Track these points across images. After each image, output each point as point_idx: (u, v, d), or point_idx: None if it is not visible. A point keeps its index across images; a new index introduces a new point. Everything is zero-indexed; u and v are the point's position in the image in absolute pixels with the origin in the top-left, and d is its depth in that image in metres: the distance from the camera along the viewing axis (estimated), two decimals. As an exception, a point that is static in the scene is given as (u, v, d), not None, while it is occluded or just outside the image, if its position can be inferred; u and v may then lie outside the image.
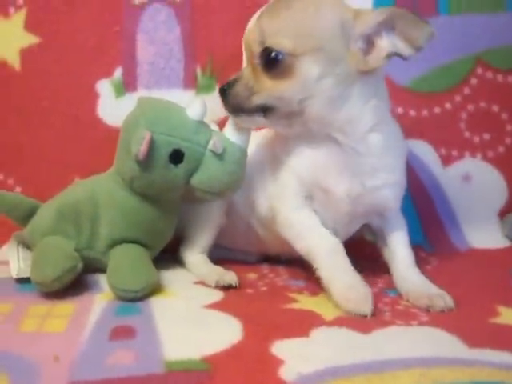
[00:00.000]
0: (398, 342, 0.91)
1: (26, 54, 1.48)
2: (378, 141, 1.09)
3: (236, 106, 1.10)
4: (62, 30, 1.48)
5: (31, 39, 1.48)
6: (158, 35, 1.48)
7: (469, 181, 1.53)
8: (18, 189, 1.47)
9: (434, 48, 1.46)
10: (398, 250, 1.18)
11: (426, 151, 1.51)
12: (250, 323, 0.95)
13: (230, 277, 1.15)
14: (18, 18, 1.48)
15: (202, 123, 1.15)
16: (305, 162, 1.12)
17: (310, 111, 1.05)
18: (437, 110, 1.51)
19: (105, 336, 0.91)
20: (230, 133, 1.14)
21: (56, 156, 1.48)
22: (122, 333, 0.93)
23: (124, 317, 0.99)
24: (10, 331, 0.94)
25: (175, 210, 1.23)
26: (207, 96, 1.49)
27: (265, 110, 1.08)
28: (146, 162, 1.10)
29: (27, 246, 1.24)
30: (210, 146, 1.12)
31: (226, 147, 1.13)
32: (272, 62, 1.04)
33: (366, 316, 0.99)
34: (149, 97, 1.21)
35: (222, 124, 1.20)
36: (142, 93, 1.48)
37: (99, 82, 1.49)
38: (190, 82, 1.50)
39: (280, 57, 1.03)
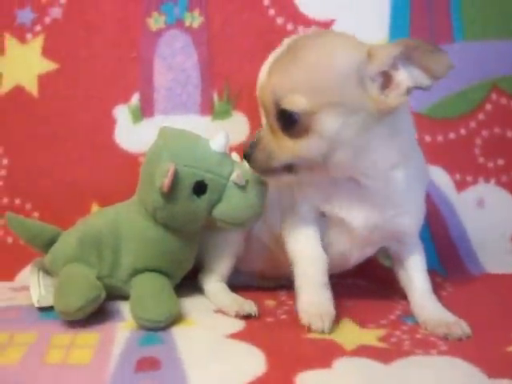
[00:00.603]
0: (419, 372, 0.91)
1: (44, 79, 1.49)
2: (401, 178, 1.07)
3: (262, 169, 1.08)
4: (80, 55, 1.49)
5: (49, 65, 1.49)
6: (175, 61, 1.49)
7: (482, 206, 1.54)
8: (36, 214, 1.47)
9: (450, 75, 1.47)
10: (415, 276, 1.18)
11: (440, 176, 1.52)
12: (273, 354, 0.95)
13: (249, 307, 1.15)
14: (36, 44, 1.49)
15: (224, 155, 1.16)
16: (320, 195, 1.12)
17: (333, 162, 1.02)
18: (452, 135, 1.52)
19: (130, 368, 0.91)
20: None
21: (73, 181, 1.49)
22: (147, 364, 0.92)
23: (148, 347, 0.99)
24: (36, 363, 0.93)
25: (196, 240, 1.23)
26: (223, 122, 1.51)
27: (289, 168, 1.05)
28: (170, 194, 1.10)
29: (48, 272, 1.24)
30: (234, 177, 1.13)
31: (248, 179, 1.13)
32: (289, 122, 1.00)
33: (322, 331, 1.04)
34: (171, 127, 1.20)
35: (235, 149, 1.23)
36: (158, 118, 1.49)
37: (116, 107, 1.50)
38: (207, 108, 1.51)
39: (296, 117, 0.99)
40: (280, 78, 1.00)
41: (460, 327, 1.07)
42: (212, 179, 1.13)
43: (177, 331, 1.06)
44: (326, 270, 1.13)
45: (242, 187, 1.13)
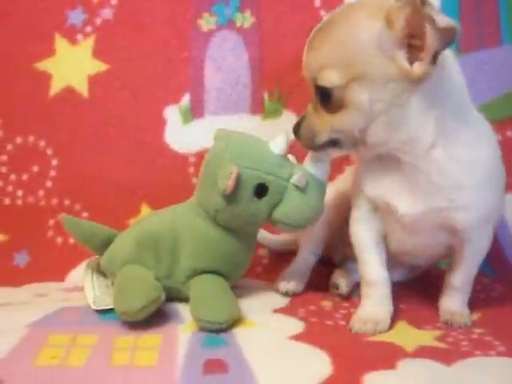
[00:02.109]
0: (481, 374, 0.91)
1: (94, 80, 1.50)
2: (441, 158, 1.04)
3: (307, 145, 1.11)
4: (130, 56, 1.50)
5: (99, 66, 1.50)
6: (225, 62, 1.50)
7: (528, 207, 1.52)
8: (85, 214, 1.48)
9: (498, 77, 1.50)
10: (452, 274, 1.18)
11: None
12: (337, 356, 0.95)
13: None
14: (87, 45, 1.50)
15: (284, 157, 1.16)
16: (371, 181, 1.12)
17: (371, 136, 1.03)
18: (499, 137, 1.46)
19: (198, 370, 0.91)
20: (309, 166, 1.16)
21: (122, 182, 1.49)
22: (215, 367, 0.92)
23: (212, 349, 0.99)
24: (103, 365, 0.93)
25: (254, 241, 1.24)
26: (274, 121, 1.51)
27: (333, 143, 1.07)
28: (232, 196, 1.11)
29: (101, 273, 1.25)
30: (294, 180, 1.13)
31: (308, 181, 1.13)
32: (325, 97, 1.03)
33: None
34: (227, 130, 1.21)
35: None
36: (209, 119, 1.50)
37: (167, 108, 1.51)
38: (257, 107, 1.51)
39: (330, 91, 1.01)
40: (314, 55, 1.03)
41: (462, 317, 1.14)
42: (273, 181, 1.13)
43: (239, 333, 1.06)
44: (385, 268, 1.16)
45: (302, 189, 1.13)
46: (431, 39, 0.93)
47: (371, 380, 0.87)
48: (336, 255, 1.40)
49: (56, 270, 1.42)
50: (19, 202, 1.50)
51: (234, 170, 1.09)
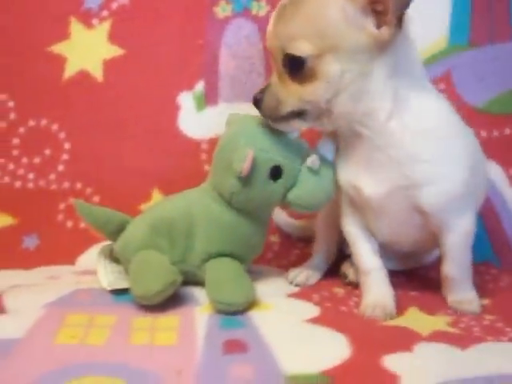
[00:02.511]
0: (495, 358, 0.92)
1: (109, 65, 1.50)
2: (397, 129, 1.06)
3: (270, 115, 1.12)
4: (146, 42, 1.50)
5: (115, 51, 1.50)
6: (240, 49, 1.51)
7: (535, 197, 1.55)
8: (96, 198, 1.48)
9: (508, 71, 1.51)
10: (444, 259, 1.17)
11: (495, 171, 1.51)
12: (355, 338, 0.96)
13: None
14: (102, 29, 1.50)
15: (297, 140, 1.18)
16: (342, 167, 1.15)
17: (337, 108, 1.06)
18: (507, 131, 1.52)
19: (218, 350, 0.92)
20: (320, 149, 1.19)
21: (135, 167, 1.50)
22: (234, 347, 0.93)
23: (230, 330, 1.00)
24: (123, 344, 0.94)
25: (267, 224, 1.25)
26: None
27: (297, 114, 1.09)
28: (247, 178, 1.12)
29: (114, 259, 1.25)
30: (309, 162, 1.14)
31: (320, 163, 1.15)
32: (295, 67, 1.05)
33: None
34: (241, 114, 1.23)
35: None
36: (222, 106, 1.51)
37: (181, 94, 1.52)
38: (270, 96, 1.52)
39: (302, 61, 1.03)
40: (284, 26, 1.05)
41: (470, 305, 1.15)
42: (287, 164, 1.14)
43: (255, 315, 1.07)
44: (378, 256, 1.18)
45: (316, 172, 1.15)
46: (393, 2, 0.99)
47: (390, 361, 0.88)
48: (346, 246, 1.40)
49: (66, 254, 1.43)
50: (30, 185, 1.49)
51: (249, 152, 1.10)
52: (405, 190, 1.08)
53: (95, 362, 0.89)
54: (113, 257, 1.26)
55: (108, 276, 1.19)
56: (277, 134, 1.16)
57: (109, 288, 1.15)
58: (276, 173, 1.14)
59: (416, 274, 1.36)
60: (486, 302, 1.18)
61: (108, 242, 1.31)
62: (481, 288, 1.21)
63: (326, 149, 1.18)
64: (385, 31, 1.01)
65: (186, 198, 1.23)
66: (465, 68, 1.53)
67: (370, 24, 1.02)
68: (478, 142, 1.19)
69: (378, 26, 1.02)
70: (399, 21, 1.02)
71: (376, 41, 1.02)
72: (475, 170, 1.12)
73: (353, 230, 1.19)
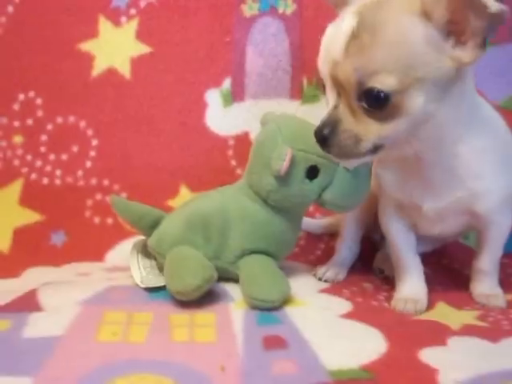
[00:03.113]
0: None
1: (137, 62, 1.52)
2: (465, 151, 1.05)
3: (343, 154, 1.00)
4: (173, 39, 1.51)
5: (142, 48, 1.52)
6: (267, 47, 1.52)
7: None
8: (124, 194, 1.49)
9: None
10: (479, 253, 1.20)
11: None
12: (390, 333, 0.98)
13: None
14: (130, 27, 1.51)
15: None
16: (393, 182, 1.13)
17: (418, 138, 1.00)
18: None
19: (258, 346, 0.93)
20: None
21: (163, 163, 1.51)
22: (274, 342, 0.95)
23: (268, 326, 1.01)
24: (165, 341, 0.95)
25: (300, 221, 1.27)
26: (312, 106, 1.53)
27: (373, 150, 1.01)
28: (285, 177, 1.14)
29: (146, 253, 1.27)
30: None
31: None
32: (376, 103, 0.94)
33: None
34: (277, 114, 1.25)
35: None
36: (249, 103, 1.52)
37: (208, 91, 1.53)
38: (297, 93, 1.54)
39: (386, 97, 0.93)
40: (363, 58, 0.93)
41: (497, 299, 1.18)
42: (324, 164, 1.16)
43: (291, 311, 1.08)
44: (415, 253, 1.20)
45: (351, 172, 1.16)
46: (480, 23, 0.90)
47: (426, 355, 0.90)
48: (376, 233, 1.43)
49: (94, 250, 1.44)
50: (58, 181, 1.50)
51: (288, 151, 1.12)
52: (463, 200, 1.10)
53: (139, 359, 0.90)
54: (146, 252, 1.27)
55: (141, 272, 1.21)
56: (313, 133, 1.16)
57: (142, 285, 1.16)
58: (313, 172, 1.17)
59: (440, 267, 1.38)
60: (510, 296, 1.20)
61: (139, 237, 1.32)
62: (506, 281, 1.24)
63: None
64: (468, 53, 0.93)
65: (222, 194, 1.24)
66: (485, 65, 1.50)
67: (449, 47, 0.93)
68: None
69: (455, 46, 0.94)
70: (484, 41, 0.93)
71: (458, 63, 0.94)
72: None
73: (394, 228, 1.20)
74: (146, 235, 1.27)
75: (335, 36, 0.97)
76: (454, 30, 0.93)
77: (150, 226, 1.25)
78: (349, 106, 0.98)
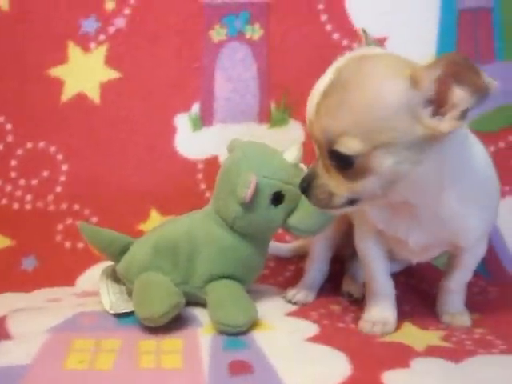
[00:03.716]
0: (489, 371, 0.96)
1: (106, 87, 1.53)
2: (449, 197, 1.05)
3: (321, 206, 1.03)
4: (142, 65, 1.52)
5: (111, 74, 1.53)
6: (235, 72, 1.54)
7: (518, 214, 1.61)
8: (94, 219, 1.50)
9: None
10: (448, 273, 1.22)
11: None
12: (355, 356, 0.99)
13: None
14: (99, 53, 1.53)
15: (298, 166, 1.21)
16: (379, 217, 1.13)
17: (393, 193, 1.01)
18: (492, 148, 1.56)
19: (224, 371, 0.94)
20: None
21: (132, 187, 1.52)
22: (240, 368, 0.96)
23: (234, 351, 1.02)
24: (131, 368, 0.96)
25: (267, 246, 1.28)
26: (280, 129, 1.55)
27: (350, 202, 1.02)
28: (250, 204, 1.16)
29: (115, 279, 1.28)
30: None
31: None
32: (344, 164, 0.96)
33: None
34: (243, 140, 1.26)
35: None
36: (217, 127, 1.54)
37: (177, 115, 1.55)
38: (265, 117, 1.56)
39: (352, 159, 0.94)
40: (330, 119, 0.95)
41: (461, 319, 1.20)
42: (289, 190, 1.18)
43: (257, 335, 1.09)
44: (389, 277, 1.20)
45: None
46: (466, 97, 0.89)
47: (389, 378, 0.92)
48: (346, 251, 1.43)
49: (65, 275, 1.44)
50: (28, 206, 1.51)
51: (252, 178, 1.14)
52: (446, 236, 1.12)
53: (105, 387, 0.91)
54: (115, 277, 1.28)
55: (111, 297, 1.22)
56: (279, 160, 1.20)
57: (111, 311, 1.17)
58: (278, 198, 1.18)
59: (407, 288, 1.39)
60: (475, 316, 1.22)
61: (109, 263, 1.33)
62: (470, 301, 1.25)
63: None
64: (446, 124, 0.92)
65: (189, 219, 1.26)
66: None
67: (427, 116, 0.92)
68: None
69: (433, 115, 0.93)
70: (464, 115, 0.92)
71: (433, 132, 0.93)
72: (498, 207, 1.18)
73: (371, 254, 1.20)
74: (114, 261, 1.28)
75: (313, 93, 0.98)
76: (435, 100, 0.92)
77: (119, 252, 1.26)
78: (324, 163, 1.01)
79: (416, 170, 0.96)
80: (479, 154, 1.10)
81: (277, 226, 1.22)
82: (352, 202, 1.01)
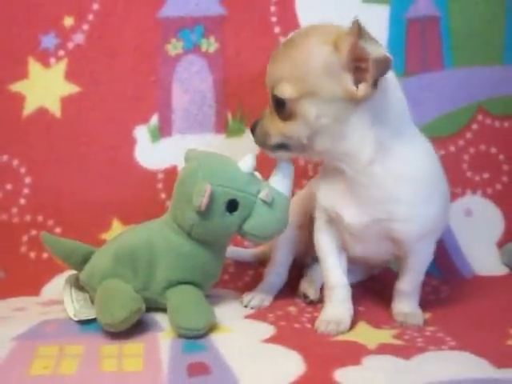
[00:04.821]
0: (438, 366, 1.02)
1: (67, 101, 1.55)
2: (380, 173, 1.14)
3: (260, 144, 1.24)
4: (101, 79, 1.55)
5: (71, 88, 1.55)
6: (192, 84, 1.57)
7: (470, 215, 1.67)
8: (58, 229, 1.52)
9: (441, 97, 1.64)
10: (400, 276, 1.28)
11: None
12: (309, 355, 1.04)
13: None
14: (59, 68, 1.54)
15: (252, 175, 1.26)
16: (324, 189, 1.24)
17: (316, 145, 1.15)
18: (442, 152, 1.63)
19: (183, 373, 0.99)
20: (274, 182, 1.25)
21: (94, 198, 1.55)
22: (198, 369, 1.00)
23: (193, 354, 1.07)
24: (94, 372, 1.00)
25: (224, 253, 1.33)
26: (237, 139, 1.60)
27: (283, 146, 1.19)
28: (206, 212, 1.20)
29: (79, 287, 1.31)
30: (262, 195, 1.23)
31: (274, 196, 1.23)
32: (279, 106, 1.15)
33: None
34: (199, 150, 1.31)
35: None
36: (176, 137, 1.57)
37: (136, 127, 1.57)
38: (221, 127, 1.60)
39: (284, 102, 1.13)
40: (274, 69, 1.16)
41: (415, 318, 1.25)
42: (243, 197, 1.22)
43: (215, 338, 1.14)
44: (344, 273, 1.27)
45: (269, 204, 1.23)
46: (373, 65, 1.04)
47: (341, 375, 0.97)
48: (307, 257, 1.48)
49: (30, 285, 1.46)
50: (-8, 218, 1.54)
51: (207, 187, 1.18)
52: (383, 223, 1.18)
53: (68, 390, 0.94)
54: (79, 285, 1.31)
55: (74, 305, 1.25)
56: (233, 169, 1.24)
57: (75, 319, 1.20)
58: (232, 206, 1.22)
59: (363, 288, 1.44)
60: (428, 314, 1.28)
61: (72, 272, 1.36)
62: (423, 300, 1.31)
63: (284, 173, 1.26)
64: (361, 89, 1.07)
65: (148, 228, 1.29)
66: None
67: (347, 79, 1.08)
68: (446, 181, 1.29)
69: (357, 82, 1.08)
70: (375, 82, 1.07)
71: (349, 96, 1.09)
72: (445, 208, 1.24)
73: (326, 246, 1.28)
74: (77, 270, 1.32)
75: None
76: (357, 68, 1.07)
77: (81, 262, 1.30)
78: (270, 107, 1.21)
79: (339, 127, 1.12)
80: (421, 148, 1.19)
81: (232, 232, 1.26)
82: (285, 146, 1.19)
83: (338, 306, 1.24)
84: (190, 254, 1.25)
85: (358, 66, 1.06)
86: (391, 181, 1.14)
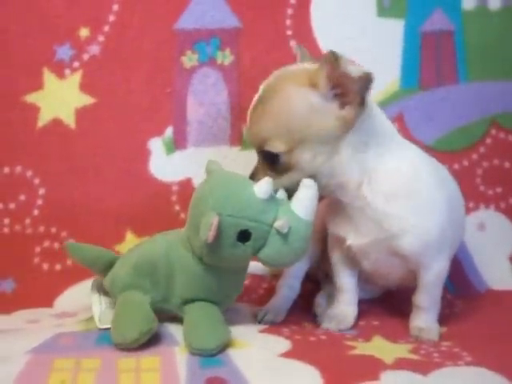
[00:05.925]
0: (455, 381, 1.01)
1: (81, 113, 1.55)
2: (369, 194, 1.17)
3: None
4: (116, 91, 1.56)
5: (86, 100, 1.55)
6: (207, 97, 1.58)
7: (483, 229, 1.68)
8: (72, 241, 1.50)
9: (455, 112, 1.65)
10: (416, 291, 1.28)
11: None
12: (326, 370, 1.03)
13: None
14: (74, 79, 1.55)
15: (268, 201, 1.16)
16: (329, 216, 1.28)
17: (317, 183, 1.16)
18: (456, 166, 1.65)
19: (202, 388, 0.98)
20: (296, 205, 1.17)
21: (108, 210, 1.55)
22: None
23: (211, 368, 1.05)
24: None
25: (244, 271, 1.28)
26: (252, 151, 1.50)
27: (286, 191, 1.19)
28: (214, 243, 1.13)
29: (104, 292, 1.31)
30: (277, 225, 1.14)
31: (292, 224, 1.15)
32: (272, 162, 1.17)
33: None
34: (218, 166, 1.26)
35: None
36: (190, 150, 1.58)
37: (151, 139, 1.58)
38: (236, 139, 1.61)
39: (277, 157, 1.15)
40: (257, 129, 1.18)
41: (429, 333, 1.25)
42: (256, 228, 1.15)
43: (233, 353, 1.12)
44: (352, 275, 1.33)
45: (285, 234, 1.15)
46: (352, 87, 1.08)
47: (360, 391, 0.97)
48: (318, 272, 1.49)
49: (43, 296, 1.46)
50: (6, 230, 1.53)
51: (214, 220, 1.11)
52: (384, 241, 1.20)
53: (87, 406, 0.93)
54: (104, 289, 1.31)
55: (101, 306, 1.27)
56: (247, 195, 1.16)
57: (99, 325, 1.21)
58: (244, 236, 1.15)
59: (379, 302, 1.45)
60: (443, 329, 1.28)
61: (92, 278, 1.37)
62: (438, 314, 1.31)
63: (307, 194, 1.17)
64: (348, 111, 1.10)
65: (166, 241, 1.26)
66: (415, 109, 1.65)
67: (334, 108, 1.11)
68: (457, 188, 1.32)
69: (341, 107, 1.11)
70: (362, 100, 1.10)
71: (343, 121, 1.11)
72: (452, 215, 1.24)
73: (338, 258, 1.32)
74: (102, 276, 1.31)
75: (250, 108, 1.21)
76: (339, 94, 1.11)
77: (105, 268, 1.29)
78: (260, 163, 1.22)
79: (331, 161, 1.14)
80: (403, 160, 1.20)
81: (247, 259, 1.21)
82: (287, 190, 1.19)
83: (344, 307, 1.31)
84: (204, 275, 1.20)
85: (339, 92, 1.10)
86: (381, 200, 1.17)
